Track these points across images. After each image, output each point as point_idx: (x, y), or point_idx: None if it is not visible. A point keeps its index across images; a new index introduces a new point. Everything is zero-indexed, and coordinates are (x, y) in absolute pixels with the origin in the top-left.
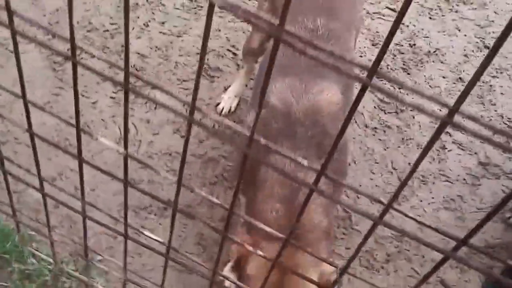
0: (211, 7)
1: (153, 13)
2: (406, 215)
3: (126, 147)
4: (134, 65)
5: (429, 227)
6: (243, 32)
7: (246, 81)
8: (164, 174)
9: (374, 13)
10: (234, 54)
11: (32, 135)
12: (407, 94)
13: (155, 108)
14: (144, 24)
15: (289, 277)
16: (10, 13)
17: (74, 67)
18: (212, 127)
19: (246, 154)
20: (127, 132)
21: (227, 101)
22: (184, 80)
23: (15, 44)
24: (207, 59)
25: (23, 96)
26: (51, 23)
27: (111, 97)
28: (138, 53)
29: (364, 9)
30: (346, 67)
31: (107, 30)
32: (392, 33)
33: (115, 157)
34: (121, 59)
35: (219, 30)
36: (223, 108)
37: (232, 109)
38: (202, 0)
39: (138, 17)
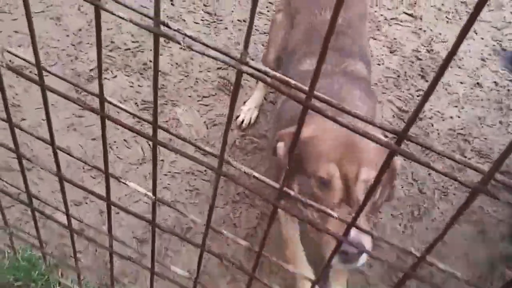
0: (239, 73)
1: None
2: (439, 268)
3: (154, 193)
4: None
5: None
6: (262, 45)
7: (264, 92)
8: (191, 217)
9: (391, 19)
10: None
11: (58, 165)
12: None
13: (177, 126)
14: (164, 41)
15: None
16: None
17: (102, 121)
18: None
19: (276, 206)
20: (156, 179)
21: (247, 113)
22: (204, 96)
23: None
24: (227, 74)
25: (48, 120)
26: (74, 44)
27: (125, 110)
28: (159, 71)
29: (382, 15)
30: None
31: (129, 49)
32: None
33: (140, 179)
34: (142, 77)
35: (238, 44)
36: (243, 121)
37: (252, 121)
38: (222, 14)
39: None
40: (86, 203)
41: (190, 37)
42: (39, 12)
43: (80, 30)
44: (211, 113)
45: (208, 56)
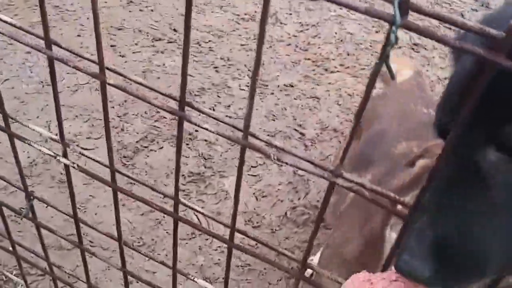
0: (331, 185)
1: (218, 96)
2: None
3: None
4: (201, 154)
5: None
6: (310, 110)
7: None
8: None
9: (444, 78)
10: (302, 134)
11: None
12: None
13: (225, 198)
14: (210, 109)
15: None
16: None
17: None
18: None
19: None
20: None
21: None
22: (252, 166)
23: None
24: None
25: None
26: (119, 115)
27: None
28: (206, 140)
29: (434, 74)
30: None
31: (175, 119)
32: None
33: (190, 254)
34: (188, 147)
35: (285, 109)
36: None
37: None
38: (267, 79)
39: (204, 102)
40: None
41: (281, 149)
42: (84, 84)
43: (125, 101)
44: (260, 184)
45: (301, 169)
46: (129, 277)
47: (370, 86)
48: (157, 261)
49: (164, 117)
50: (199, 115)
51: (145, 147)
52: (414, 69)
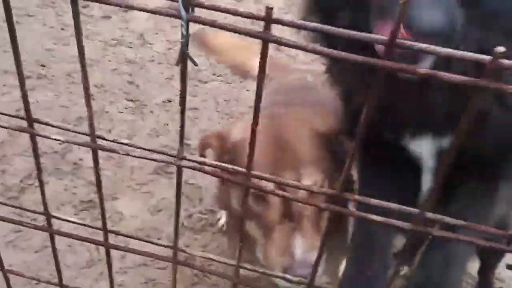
0: (179, 169)
1: (98, 122)
2: None
3: None
4: (90, 181)
5: None
6: (191, 121)
7: None
8: None
9: None
10: (187, 145)
11: None
12: None
13: (120, 220)
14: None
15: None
16: None
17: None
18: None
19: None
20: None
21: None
22: (143, 184)
23: None
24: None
25: None
26: None
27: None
28: (91, 167)
29: None
30: None
31: (56, 152)
32: None
33: (91, 282)
34: (75, 177)
35: (167, 124)
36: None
37: None
38: (145, 98)
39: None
40: None
41: (126, 144)
42: None
43: (2, 142)
44: (153, 199)
45: (149, 159)
46: None
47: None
48: None
49: (46, 152)
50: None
51: (30, 184)
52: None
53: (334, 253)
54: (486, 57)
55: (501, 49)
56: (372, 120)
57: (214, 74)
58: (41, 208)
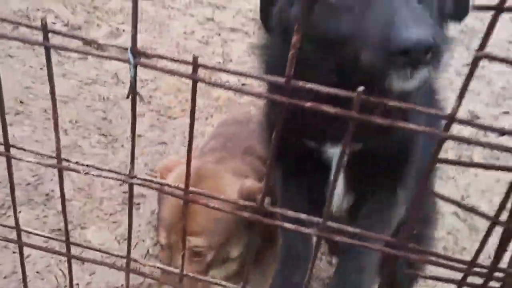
0: (131, 186)
1: (71, 155)
2: None
3: None
4: (59, 211)
5: None
6: (160, 155)
7: None
8: None
9: None
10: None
11: None
12: None
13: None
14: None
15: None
16: None
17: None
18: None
19: None
20: None
21: None
22: (111, 214)
23: None
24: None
25: None
26: None
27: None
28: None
29: None
30: None
31: (29, 183)
32: None
33: None
34: (46, 207)
35: (137, 158)
36: None
37: None
38: (116, 133)
39: None
40: None
41: (87, 165)
42: None
43: None
44: (121, 229)
45: (104, 177)
46: None
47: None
48: None
49: (19, 184)
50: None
51: (3, 214)
52: None
53: (266, 272)
54: (353, 94)
55: (361, 88)
56: (294, 131)
57: (183, 111)
58: (14, 235)
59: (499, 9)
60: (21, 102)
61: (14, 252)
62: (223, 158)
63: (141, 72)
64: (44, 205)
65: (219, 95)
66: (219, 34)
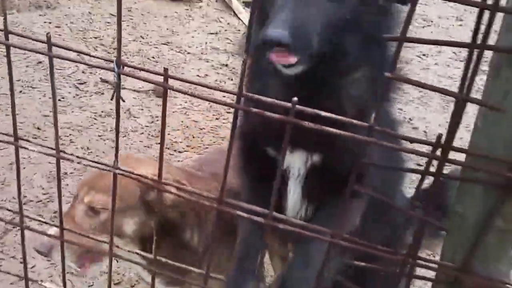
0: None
1: (80, 178)
2: None
3: None
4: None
5: None
6: None
7: None
8: None
9: None
10: None
11: None
12: None
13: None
14: (69, 192)
15: None
16: None
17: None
18: None
19: None
20: None
21: None
22: None
23: None
24: None
25: None
26: None
27: (48, 260)
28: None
29: None
30: None
31: (40, 201)
32: None
33: None
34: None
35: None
36: None
37: None
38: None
39: (67, 185)
40: None
41: (78, 156)
42: None
43: None
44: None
45: (92, 166)
46: None
47: (118, 112)
48: None
49: (31, 201)
50: None
51: (14, 227)
52: None
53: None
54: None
55: (295, 99)
56: (258, 140)
57: (188, 146)
58: (19, 248)
59: None
60: (38, 128)
61: (20, 263)
62: (190, 173)
63: (154, 110)
64: (52, 221)
65: (226, 135)
66: (232, 79)
